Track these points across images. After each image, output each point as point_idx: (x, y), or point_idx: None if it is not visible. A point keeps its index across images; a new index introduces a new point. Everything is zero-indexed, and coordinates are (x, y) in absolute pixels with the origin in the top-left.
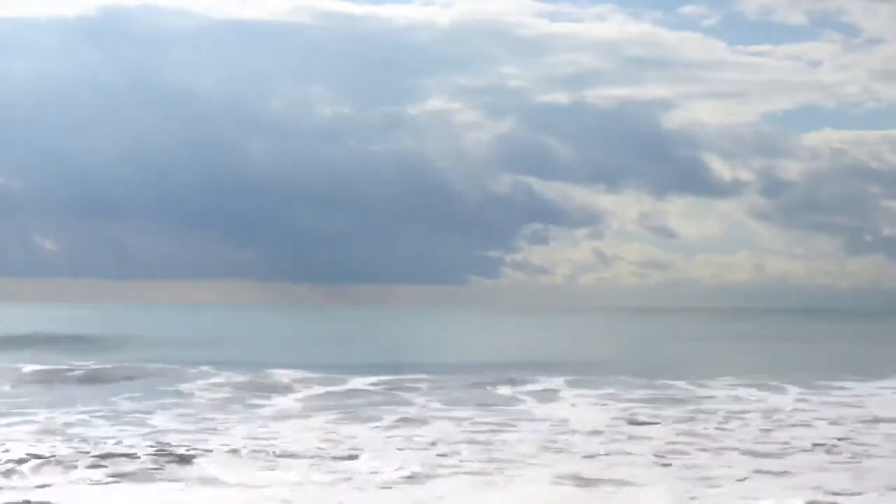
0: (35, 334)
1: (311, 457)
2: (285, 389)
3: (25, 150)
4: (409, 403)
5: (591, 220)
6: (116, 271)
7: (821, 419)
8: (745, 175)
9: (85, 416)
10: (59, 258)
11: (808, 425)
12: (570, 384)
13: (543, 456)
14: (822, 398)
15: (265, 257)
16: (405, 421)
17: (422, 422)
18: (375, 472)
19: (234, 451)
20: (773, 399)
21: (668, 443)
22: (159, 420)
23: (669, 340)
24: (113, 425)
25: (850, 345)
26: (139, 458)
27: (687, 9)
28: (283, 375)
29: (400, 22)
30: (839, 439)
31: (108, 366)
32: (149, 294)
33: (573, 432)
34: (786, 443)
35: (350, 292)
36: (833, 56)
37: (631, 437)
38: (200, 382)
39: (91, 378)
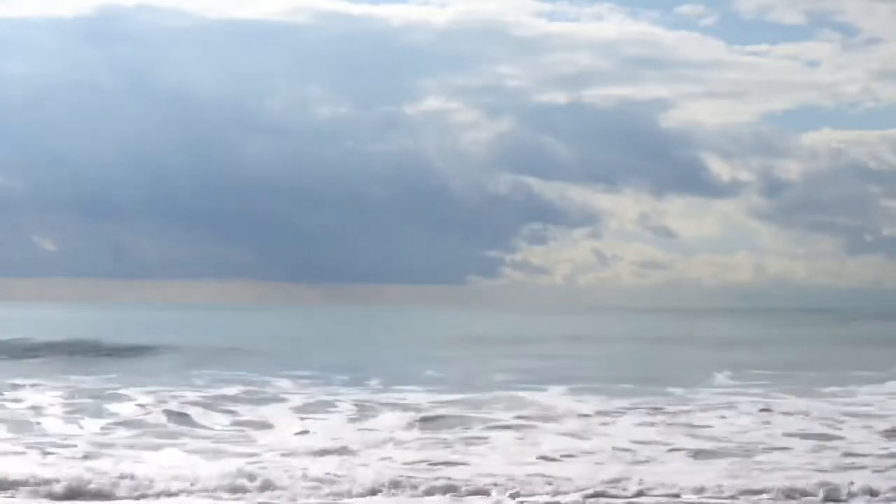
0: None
1: None
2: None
3: (24, 150)
4: None
5: (590, 220)
6: (116, 271)
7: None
8: (744, 175)
9: None
10: (58, 258)
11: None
12: (566, 390)
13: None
14: (820, 400)
15: (264, 257)
16: None
17: None
18: None
19: None
20: (762, 401)
21: (634, 441)
22: None
23: (668, 341)
24: None
25: (852, 346)
26: None
27: (684, 8)
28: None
29: (397, 22)
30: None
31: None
32: (148, 294)
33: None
34: (746, 444)
35: (349, 292)
36: (831, 56)
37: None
38: None
39: None
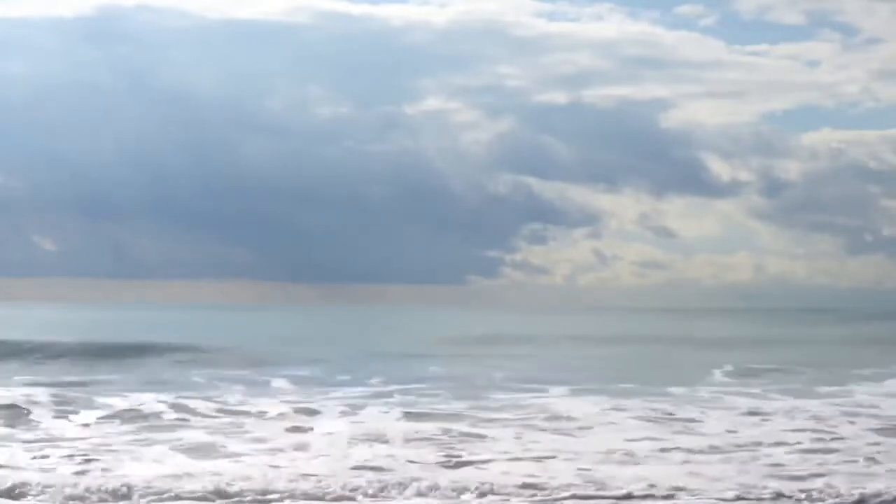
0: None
1: None
2: None
3: (24, 150)
4: None
5: (590, 220)
6: (116, 271)
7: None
8: (744, 175)
9: None
10: (58, 258)
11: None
12: (566, 390)
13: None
14: (820, 400)
15: (264, 257)
16: None
17: None
18: None
19: None
20: (756, 401)
21: (633, 441)
22: None
23: (668, 341)
24: None
25: (851, 346)
26: None
27: (684, 8)
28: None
29: (397, 22)
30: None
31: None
32: (148, 294)
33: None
34: (745, 443)
35: (349, 292)
36: (831, 55)
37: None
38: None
39: None
